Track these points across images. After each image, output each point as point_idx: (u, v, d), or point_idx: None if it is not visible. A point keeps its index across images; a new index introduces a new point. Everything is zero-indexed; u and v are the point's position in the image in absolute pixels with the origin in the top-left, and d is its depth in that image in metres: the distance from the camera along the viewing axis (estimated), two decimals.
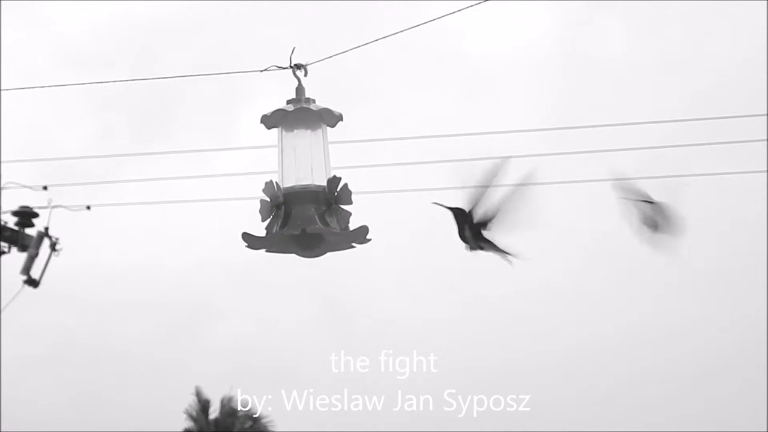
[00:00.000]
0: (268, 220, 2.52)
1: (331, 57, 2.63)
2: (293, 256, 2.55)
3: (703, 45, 26.84)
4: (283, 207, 2.51)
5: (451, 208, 2.83)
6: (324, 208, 2.51)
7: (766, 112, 9.28)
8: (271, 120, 2.56)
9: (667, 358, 20.75)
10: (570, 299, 22.28)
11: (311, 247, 2.51)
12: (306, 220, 2.47)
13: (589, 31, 27.28)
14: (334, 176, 2.54)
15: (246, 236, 2.49)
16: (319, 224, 2.48)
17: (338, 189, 2.53)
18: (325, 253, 2.54)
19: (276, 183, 2.53)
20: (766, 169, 9.53)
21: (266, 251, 2.53)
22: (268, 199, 2.52)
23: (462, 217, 2.84)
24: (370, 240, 2.51)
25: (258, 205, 2.52)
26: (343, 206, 2.53)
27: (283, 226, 2.50)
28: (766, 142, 9.12)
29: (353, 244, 2.54)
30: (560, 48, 27.16)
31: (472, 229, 2.83)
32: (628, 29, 26.37)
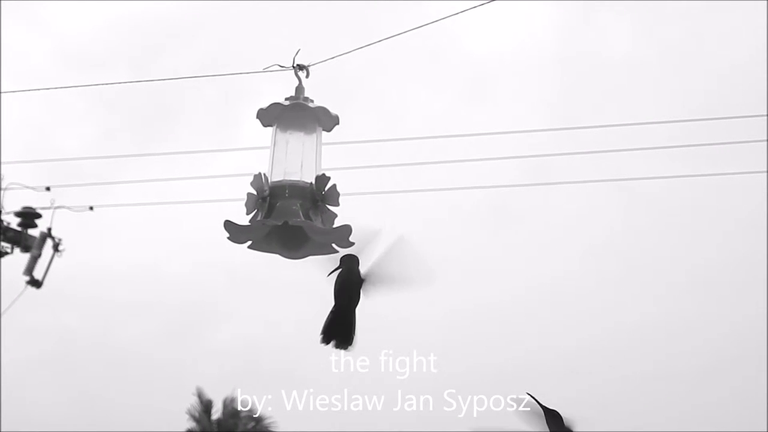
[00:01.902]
0: (253, 212, 2.50)
1: (333, 58, 2.63)
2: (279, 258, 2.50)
3: (704, 44, 26.84)
4: (268, 200, 2.48)
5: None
6: (309, 204, 2.48)
7: (766, 113, 9.30)
8: (267, 115, 2.55)
9: (668, 358, 20.76)
10: (570, 299, 22.29)
11: (294, 247, 2.47)
12: (289, 214, 2.44)
13: (591, 31, 27.29)
14: (323, 174, 2.51)
15: (228, 225, 2.44)
16: (302, 218, 2.45)
17: (326, 188, 2.50)
18: (307, 255, 2.49)
19: (264, 176, 2.51)
20: (766, 169, 9.55)
21: (249, 248, 2.48)
22: (255, 192, 2.49)
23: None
24: (353, 243, 2.46)
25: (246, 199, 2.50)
26: (329, 206, 2.50)
27: (266, 218, 2.47)
28: (766, 143, 9.14)
29: (336, 247, 2.48)
30: (562, 47, 27.17)
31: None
32: (630, 28, 26.38)
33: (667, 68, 25.52)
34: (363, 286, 2.64)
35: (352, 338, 2.65)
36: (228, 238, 2.44)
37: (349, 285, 2.63)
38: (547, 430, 2.70)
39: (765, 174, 9.78)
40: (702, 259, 22.32)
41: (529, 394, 2.70)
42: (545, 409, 2.70)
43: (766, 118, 9.20)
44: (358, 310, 2.65)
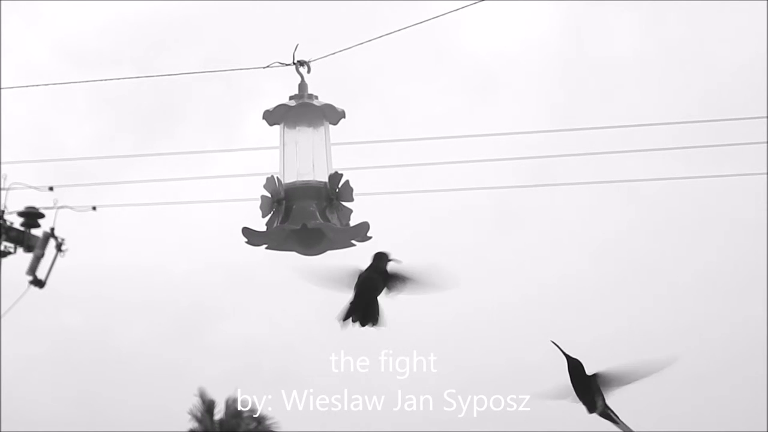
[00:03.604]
0: (269, 215, 2.50)
1: (334, 53, 2.62)
2: (294, 255, 2.51)
3: (708, 45, 26.86)
4: (283, 202, 2.48)
5: None
6: (325, 204, 2.48)
7: (766, 115, 9.32)
8: (273, 116, 2.54)
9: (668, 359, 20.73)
10: (572, 300, 22.29)
11: (311, 245, 2.47)
12: (306, 216, 2.44)
13: (595, 31, 27.30)
14: (336, 172, 2.51)
15: (246, 231, 2.45)
16: (320, 220, 2.45)
17: (339, 185, 2.50)
18: (325, 251, 2.49)
19: (277, 178, 2.51)
20: (766, 171, 9.56)
21: (266, 248, 2.49)
22: (269, 195, 2.50)
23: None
24: (370, 238, 2.48)
25: (259, 202, 2.50)
26: (344, 203, 2.50)
27: (283, 221, 2.47)
28: (766, 145, 9.15)
29: (353, 242, 2.50)
30: (566, 47, 27.18)
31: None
32: (634, 28, 26.39)
33: (671, 68, 25.54)
34: (385, 280, 2.67)
35: (375, 316, 2.68)
36: (246, 242, 2.45)
37: (371, 278, 2.67)
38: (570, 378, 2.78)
39: (765, 176, 9.79)
40: (703, 260, 22.34)
41: (552, 342, 2.76)
42: (568, 358, 2.78)
43: (766, 119, 9.21)
44: (379, 296, 2.68)
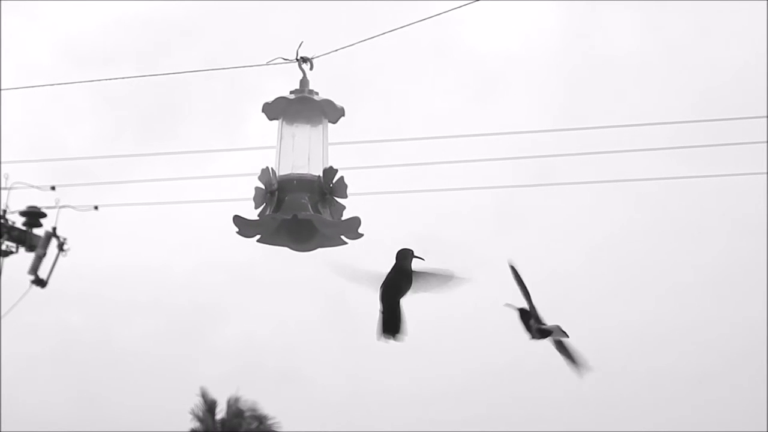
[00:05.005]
0: (262, 207, 2.50)
1: (336, 50, 2.63)
2: (293, 255, 2.51)
3: (710, 45, 26.88)
4: (276, 194, 2.49)
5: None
6: (318, 197, 2.48)
7: (766, 115, 9.34)
8: (272, 109, 2.55)
9: (668, 359, 20.78)
10: (573, 300, 22.31)
11: (303, 240, 2.47)
12: (298, 207, 2.44)
13: (597, 30, 27.33)
14: (331, 167, 2.51)
15: (237, 219, 2.45)
16: (311, 212, 2.45)
17: (334, 181, 2.50)
18: (317, 248, 2.50)
19: (272, 169, 2.51)
20: (766, 171, 9.58)
21: (258, 241, 2.49)
22: (263, 186, 2.50)
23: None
24: (362, 235, 2.47)
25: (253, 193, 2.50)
26: (337, 198, 2.50)
27: (275, 212, 2.47)
28: (766, 145, 9.17)
29: (345, 240, 2.49)
30: (567, 47, 27.21)
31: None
32: (636, 28, 26.41)
33: (671, 68, 25.56)
34: (411, 279, 2.65)
35: (401, 328, 2.68)
36: (237, 232, 2.45)
37: (395, 279, 2.64)
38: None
39: (765, 176, 9.81)
40: (703, 259, 22.36)
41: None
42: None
43: (766, 119, 9.23)
44: (404, 301, 2.67)
